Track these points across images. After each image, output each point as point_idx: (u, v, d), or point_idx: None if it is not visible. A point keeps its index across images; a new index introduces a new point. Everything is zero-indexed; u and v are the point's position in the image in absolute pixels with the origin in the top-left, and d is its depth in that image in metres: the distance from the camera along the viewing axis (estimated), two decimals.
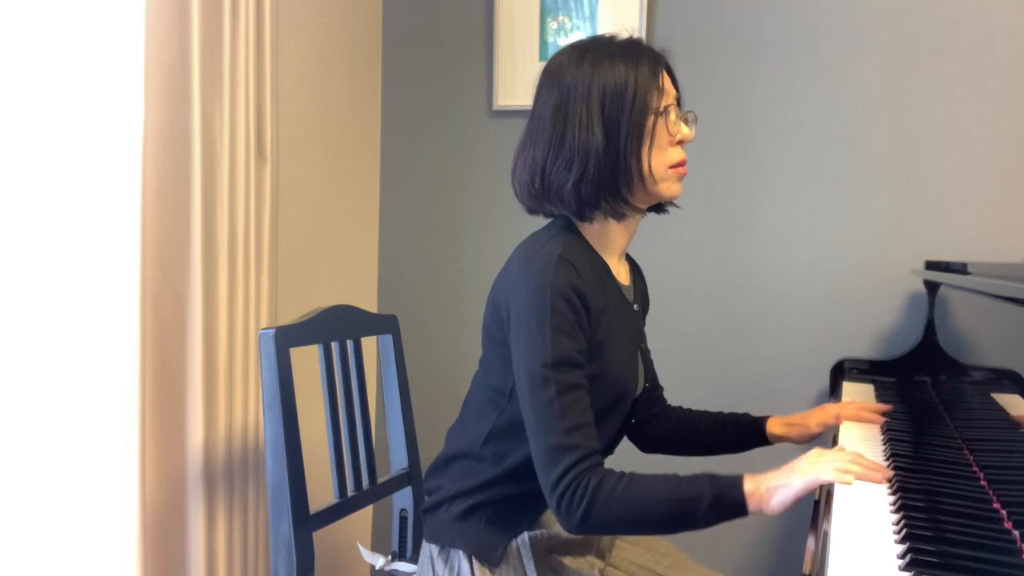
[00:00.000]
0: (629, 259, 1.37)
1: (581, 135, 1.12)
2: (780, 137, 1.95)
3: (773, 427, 1.36)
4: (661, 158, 1.15)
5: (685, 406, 1.45)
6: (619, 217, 1.18)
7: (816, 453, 1.07)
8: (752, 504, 1.03)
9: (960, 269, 1.52)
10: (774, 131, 1.96)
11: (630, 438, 1.44)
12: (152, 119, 1.52)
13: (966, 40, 1.79)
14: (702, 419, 1.41)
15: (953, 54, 1.80)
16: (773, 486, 1.03)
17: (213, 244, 1.65)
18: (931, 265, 1.70)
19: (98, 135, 1.51)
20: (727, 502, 1.03)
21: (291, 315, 1.96)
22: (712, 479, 1.05)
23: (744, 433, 1.38)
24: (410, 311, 2.31)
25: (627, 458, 1.51)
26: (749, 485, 1.04)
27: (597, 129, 1.12)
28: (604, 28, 2.08)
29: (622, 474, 1.06)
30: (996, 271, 1.45)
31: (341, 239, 2.24)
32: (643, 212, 1.22)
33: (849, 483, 1.03)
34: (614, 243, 1.23)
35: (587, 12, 2.08)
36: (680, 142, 1.17)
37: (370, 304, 2.38)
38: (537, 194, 1.18)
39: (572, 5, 2.10)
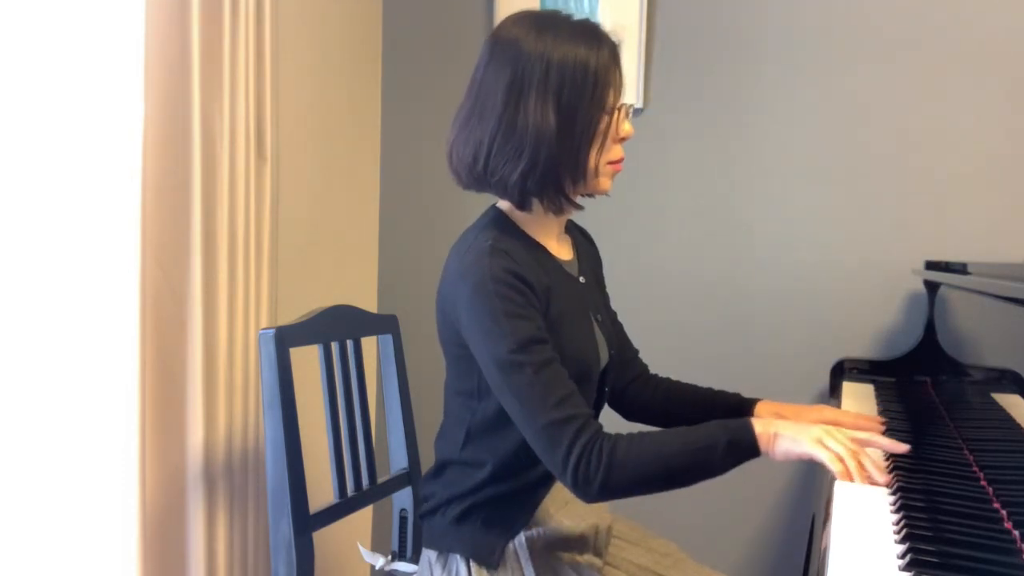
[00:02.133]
0: (573, 227, 1.35)
1: (534, 121, 1.09)
2: (780, 137, 1.95)
3: (762, 412, 1.33)
4: (605, 156, 1.15)
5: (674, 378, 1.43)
6: (557, 211, 1.18)
7: (828, 430, 1.07)
8: (762, 444, 1.05)
9: (960, 269, 1.52)
10: (774, 131, 1.96)
11: (612, 406, 1.42)
12: (152, 119, 1.52)
13: (966, 40, 1.79)
14: (689, 393, 1.39)
15: (953, 54, 1.80)
16: (783, 434, 1.05)
17: (213, 244, 1.65)
18: (931, 265, 1.70)
19: (98, 135, 1.51)
20: (741, 445, 1.05)
21: (291, 315, 1.96)
22: (722, 424, 1.06)
23: (732, 412, 1.35)
24: (410, 311, 2.30)
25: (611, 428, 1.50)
26: (759, 427, 1.06)
27: (552, 118, 1.09)
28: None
29: (631, 435, 1.06)
30: (996, 271, 1.45)
31: (341, 239, 2.23)
32: (580, 207, 1.20)
33: (850, 480, 1.03)
34: (548, 227, 1.22)
35: (587, 11, 2.08)
36: (622, 139, 1.17)
37: (370, 304, 2.38)
38: (478, 176, 1.15)
39: (572, 5, 2.10)
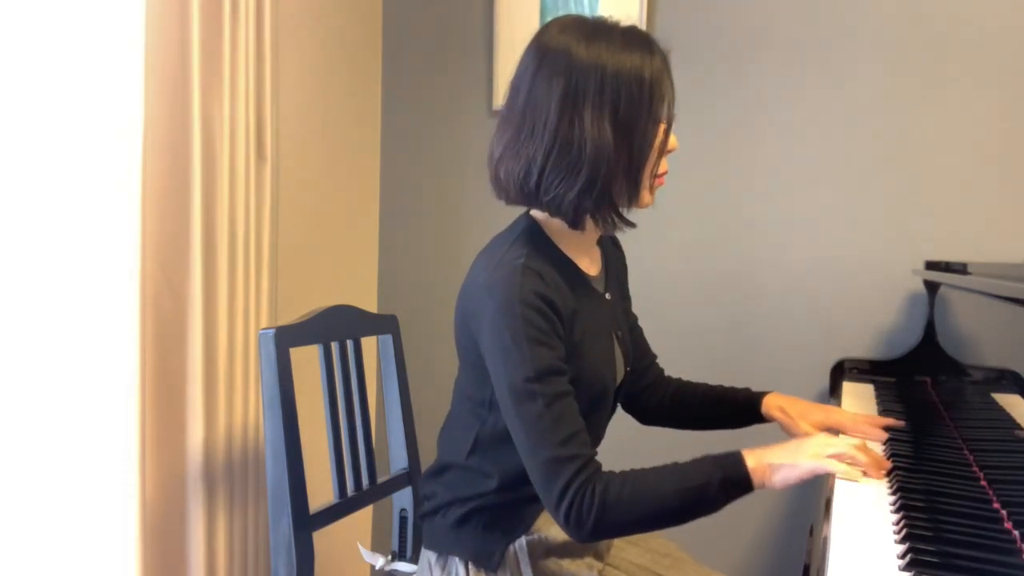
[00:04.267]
0: (604, 236, 1.31)
1: (592, 137, 1.04)
2: (780, 137, 1.95)
3: (769, 407, 1.33)
4: (654, 170, 1.12)
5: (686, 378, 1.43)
6: (609, 228, 1.14)
7: (823, 440, 1.07)
8: (756, 479, 1.04)
9: (960, 269, 1.52)
10: (774, 131, 1.96)
11: (626, 410, 1.42)
12: (152, 119, 1.52)
13: (966, 40, 1.79)
14: (699, 391, 1.39)
15: (953, 54, 1.80)
16: (777, 463, 1.04)
17: (213, 244, 1.65)
18: (931, 265, 1.70)
19: (98, 135, 1.51)
20: (734, 481, 1.03)
21: (291, 315, 1.96)
22: (715, 461, 1.05)
23: (741, 409, 1.36)
24: (410, 311, 2.31)
25: (624, 436, 1.51)
26: (751, 461, 1.04)
27: (609, 132, 1.05)
28: None
29: (624, 475, 1.04)
30: (996, 271, 1.45)
31: (341, 239, 2.24)
32: (632, 224, 1.15)
33: (856, 480, 1.03)
34: (583, 242, 1.20)
35: (587, 11, 2.07)
36: (668, 152, 1.13)
37: (370, 304, 2.38)
38: (529, 194, 1.11)
39: (572, 5, 2.10)
